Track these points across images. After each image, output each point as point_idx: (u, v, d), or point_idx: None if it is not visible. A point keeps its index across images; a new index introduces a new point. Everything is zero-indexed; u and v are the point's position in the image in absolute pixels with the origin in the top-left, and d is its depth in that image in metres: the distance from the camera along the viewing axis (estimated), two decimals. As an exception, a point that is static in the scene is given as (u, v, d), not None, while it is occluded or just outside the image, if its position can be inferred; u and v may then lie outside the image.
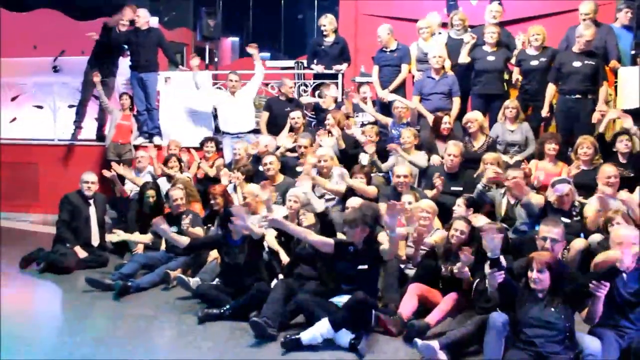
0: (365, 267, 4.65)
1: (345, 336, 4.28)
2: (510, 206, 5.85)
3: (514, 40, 7.60)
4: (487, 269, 4.07)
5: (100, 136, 8.58)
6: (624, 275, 4.11)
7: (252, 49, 7.99)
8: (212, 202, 6.27)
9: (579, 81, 6.66)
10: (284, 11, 12.76)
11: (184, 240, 5.28)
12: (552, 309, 3.84)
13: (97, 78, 8.25)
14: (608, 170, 5.69)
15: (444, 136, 6.81)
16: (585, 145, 6.17)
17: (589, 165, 6.15)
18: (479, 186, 5.86)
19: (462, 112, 7.36)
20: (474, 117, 6.83)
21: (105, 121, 8.60)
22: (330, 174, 6.47)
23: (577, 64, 6.66)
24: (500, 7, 7.70)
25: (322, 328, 4.28)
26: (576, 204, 5.57)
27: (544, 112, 6.97)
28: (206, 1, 9.58)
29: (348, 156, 6.98)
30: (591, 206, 5.48)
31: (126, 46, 8.55)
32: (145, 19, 8.42)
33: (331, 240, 4.74)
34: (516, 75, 7.25)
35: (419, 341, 4.03)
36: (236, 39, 14.33)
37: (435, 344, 4.02)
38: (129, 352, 4.26)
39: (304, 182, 5.72)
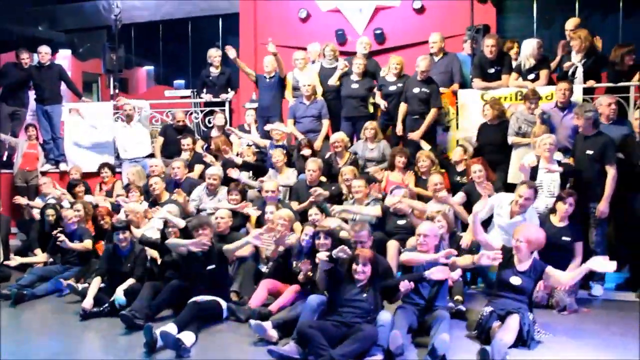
0: (213, 266, 5.59)
1: (185, 336, 4.81)
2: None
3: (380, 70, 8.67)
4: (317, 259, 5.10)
5: (9, 164, 9.28)
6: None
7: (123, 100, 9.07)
8: (100, 221, 7.12)
9: (416, 104, 7.73)
10: (191, 40, 13.61)
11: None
12: (365, 295, 4.84)
13: None
14: (434, 179, 6.83)
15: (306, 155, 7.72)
16: (422, 158, 7.28)
17: (428, 175, 7.16)
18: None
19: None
20: (340, 138, 7.82)
21: (15, 150, 9.29)
22: (216, 191, 7.45)
23: (416, 89, 7.73)
24: (369, 40, 8.90)
25: (170, 328, 4.85)
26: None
27: (398, 129, 7.97)
28: (116, 35, 10.26)
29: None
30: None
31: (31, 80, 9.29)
32: (47, 54, 9.18)
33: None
34: (378, 99, 8.22)
35: (252, 321, 4.96)
36: (151, 67, 15.13)
37: (267, 324, 4.95)
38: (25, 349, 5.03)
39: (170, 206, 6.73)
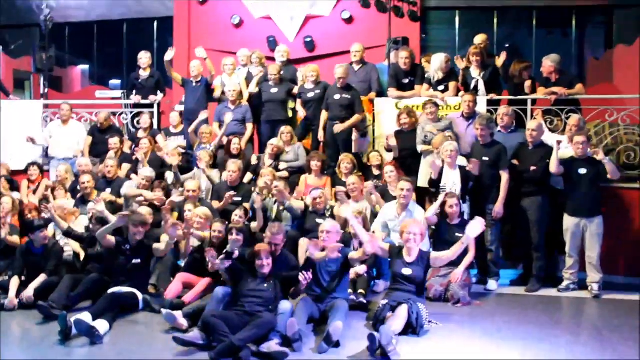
0: (139, 261, 5.90)
1: (99, 324, 5.10)
2: (279, 211, 7.29)
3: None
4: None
5: None
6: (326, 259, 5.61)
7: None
8: (27, 215, 7.29)
9: (338, 110, 8.14)
10: (126, 42, 13.71)
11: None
12: (266, 285, 5.26)
13: None
14: (350, 179, 7.33)
15: (235, 155, 8.13)
16: (345, 161, 7.71)
17: (348, 177, 7.64)
18: (253, 195, 7.24)
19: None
20: (277, 143, 8.18)
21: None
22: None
23: (337, 96, 8.15)
24: (287, 48, 9.38)
25: (84, 317, 5.12)
26: (328, 207, 7.13)
27: (319, 135, 8.39)
28: (46, 35, 10.32)
29: (157, 174, 8.15)
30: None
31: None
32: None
33: (113, 238, 5.97)
34: (299, 107, 8.62)
35: (164, 311, 5.30)
36: (86, 66, 15.14)
37: (178, 313, 5.29)
38: None
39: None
